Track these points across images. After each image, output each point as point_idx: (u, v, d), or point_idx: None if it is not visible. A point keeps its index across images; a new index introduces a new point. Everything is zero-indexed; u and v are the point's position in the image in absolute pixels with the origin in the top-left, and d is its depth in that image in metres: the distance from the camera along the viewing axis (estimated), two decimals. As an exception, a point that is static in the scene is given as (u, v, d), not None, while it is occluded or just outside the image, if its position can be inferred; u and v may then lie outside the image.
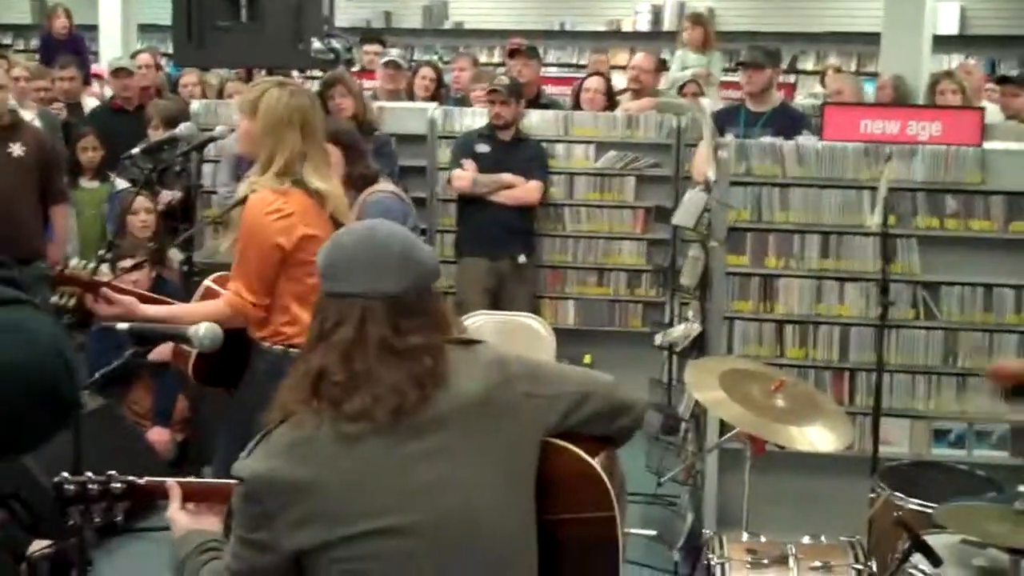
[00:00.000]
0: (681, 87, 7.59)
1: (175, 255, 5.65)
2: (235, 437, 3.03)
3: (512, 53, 7.66)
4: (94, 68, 10.33)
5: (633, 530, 4.40)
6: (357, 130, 5.18)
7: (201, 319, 3.59)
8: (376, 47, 8.71)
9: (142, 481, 2.39)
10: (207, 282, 3.89)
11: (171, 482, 2.38)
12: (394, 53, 7.89)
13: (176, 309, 3.78)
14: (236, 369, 3.72)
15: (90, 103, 8.28)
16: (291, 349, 3.50)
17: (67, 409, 1.45)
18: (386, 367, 2.02)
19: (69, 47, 9.62)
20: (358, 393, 2.01)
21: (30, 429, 1.43)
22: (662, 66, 7.85)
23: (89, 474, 2.36)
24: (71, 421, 1.49)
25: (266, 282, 3.60)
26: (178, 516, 2.33)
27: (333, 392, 2.02)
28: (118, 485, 2.36)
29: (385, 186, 4.91)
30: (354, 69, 7.19)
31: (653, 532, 4.33)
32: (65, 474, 2.37)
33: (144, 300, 3.78)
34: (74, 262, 3.75)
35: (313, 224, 3.60)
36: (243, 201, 3.64)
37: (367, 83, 7.38)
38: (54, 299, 3.68)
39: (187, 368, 3.79)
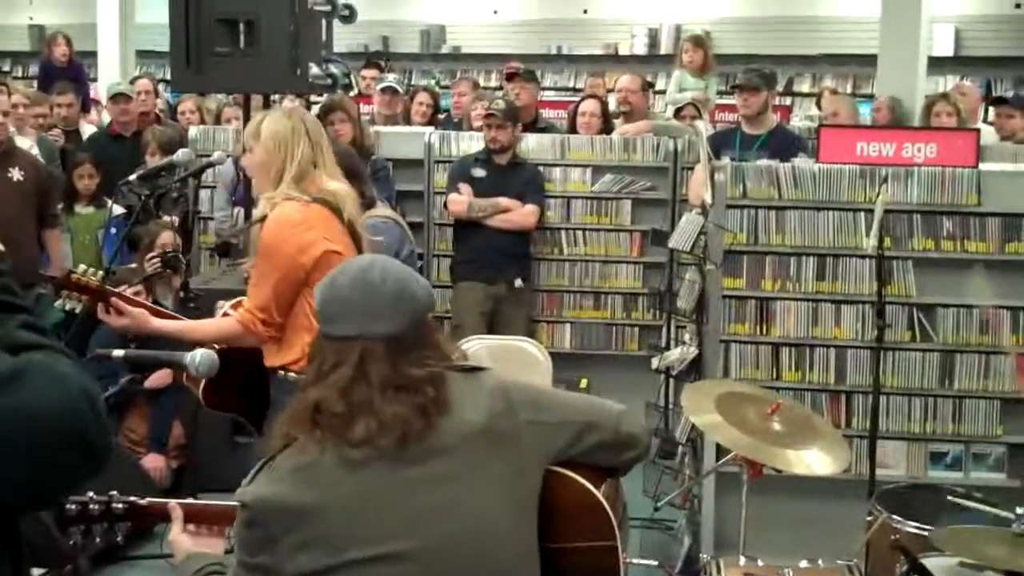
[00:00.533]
0: (679, 110, 7.60)
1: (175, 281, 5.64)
2: None
3: (510, 76, 7.69)
4: (92, 93, 10.35)
5: (635, 559, 4.39)
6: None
7: (212, 335, 3.58)
8: (374, 72, 8.75)
9: (144, 501, 2.40)
10: (225, 308, 3.83)
11: (173, 503, 2.39)
12: (391, 78, 7.92)
13: (186, 325, 3.75)
14: (245, 395, 3.70)
15: (88, 130, 8.30)
16: None
17: (97, 455, 1.43)
18: (388, 401, 2.03)
19: (68, 74, 9.64)
20: (361, 420, 2.01)
21: (63, 476, 1.41)
22: (648, 85, 7.86)
23: (91, 494, 2.36)
24: (103, 467, 1.47)
25: (282, 302, 3.55)
26: (181, 539, 2.33)
27: (334, 423, 2.02)
28: (120, 505, 2.36)
29: (382, 211, 4.92)
30: (352, 94, 7.21)
31: (655, 562, 4.32)
32: None
33: (152, 314, 3.74)
34: (81, 268, 3.67)
35: (334, 238, 3.58)
36: (262, 219, 3.62)
37: (364, 108, 7.41)
38: (58, 303, 3.62)
39: (198, 390, 3.69)
